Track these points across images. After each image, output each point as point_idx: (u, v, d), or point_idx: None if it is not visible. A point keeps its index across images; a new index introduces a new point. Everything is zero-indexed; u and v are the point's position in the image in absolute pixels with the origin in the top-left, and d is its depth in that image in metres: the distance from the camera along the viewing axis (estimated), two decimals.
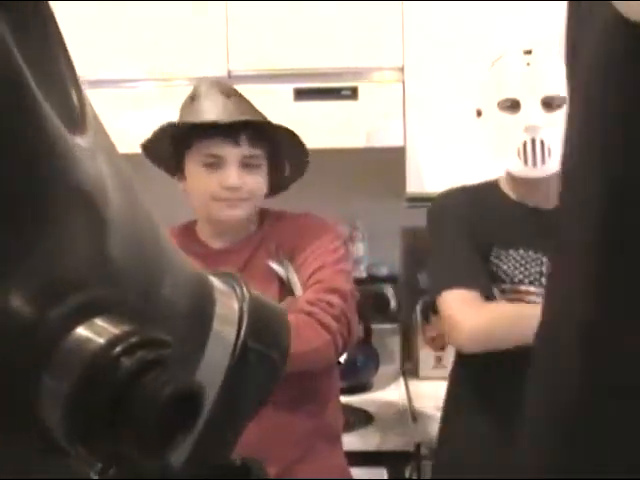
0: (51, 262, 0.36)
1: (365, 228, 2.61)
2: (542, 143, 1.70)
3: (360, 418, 2.16)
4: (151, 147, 1.70)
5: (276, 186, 1.75)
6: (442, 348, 2.54)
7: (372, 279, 2.58)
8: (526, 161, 1.71)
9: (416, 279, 2.71)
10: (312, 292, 1.59)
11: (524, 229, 1.76)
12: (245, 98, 1.67)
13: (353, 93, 2.22)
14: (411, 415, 2.20)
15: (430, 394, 2.27)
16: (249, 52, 2.25)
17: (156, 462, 0.36)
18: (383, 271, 2.64)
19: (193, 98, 1.64)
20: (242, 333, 0.45)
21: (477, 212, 1.78)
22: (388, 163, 2.40)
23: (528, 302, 1.71)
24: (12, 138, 0.34)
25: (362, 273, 2.59)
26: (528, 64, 1.74)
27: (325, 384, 1.70)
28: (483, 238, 1.75)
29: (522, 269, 1.74)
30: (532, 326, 0.63)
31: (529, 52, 1.76)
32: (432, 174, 2.27)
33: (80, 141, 0.38)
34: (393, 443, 2.05)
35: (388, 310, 2.57)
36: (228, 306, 0.46)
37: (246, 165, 1.62)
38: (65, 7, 2.26)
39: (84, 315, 0.36)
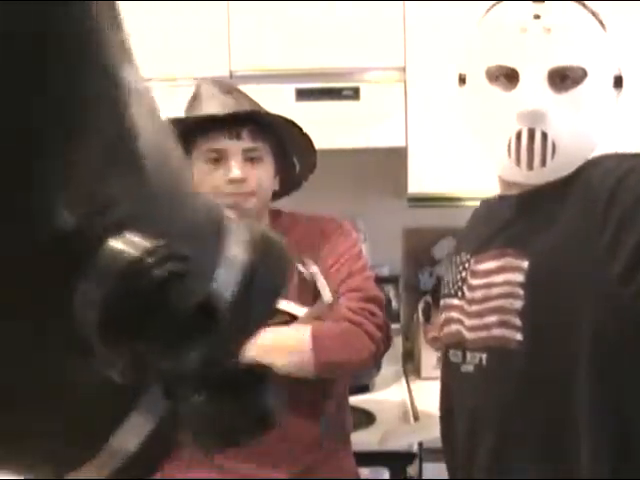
0: (94, 176, 0.39)
1: (366, 228, 2.60)
2: (544, 136, 1.18)
3: (362, 418, 2.16)
4: None
5: (289, 185, 1.75)
6: None
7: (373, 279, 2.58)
8: (518, 160, 1.19)
9: (417, 279, 2.71)
10: (352, 301, 1.61)
11: (478, 231, 1.36)
12: (245, 94, 1.66)
13: (355, 93, 2.22)
14: (413, 415, 2.20)
15: (432, 394, 2.26)
16: (251, 52, 2.25)
17: (174, 363, 0.39)
18: (384, 271, 2.64)
19: (194, 98, 1.65)
20: (253, 255, 0.50)
21: (469, 227, 1.44)
22: (390, 163, 2.40)
23: (453, 320, 1.34)
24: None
25: None
26: (537, 17, 1.20)
27: (341, 389, 1.70)
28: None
29: (451, 277, 1.36)
30: None
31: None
32: (434, 174, 2.27)
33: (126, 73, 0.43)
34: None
35: (389, 310, 2.57)
36: (240, 233, 0.52)
37: (249, 158, 1.61)
38: None
39: (118, 229, 0.39)
